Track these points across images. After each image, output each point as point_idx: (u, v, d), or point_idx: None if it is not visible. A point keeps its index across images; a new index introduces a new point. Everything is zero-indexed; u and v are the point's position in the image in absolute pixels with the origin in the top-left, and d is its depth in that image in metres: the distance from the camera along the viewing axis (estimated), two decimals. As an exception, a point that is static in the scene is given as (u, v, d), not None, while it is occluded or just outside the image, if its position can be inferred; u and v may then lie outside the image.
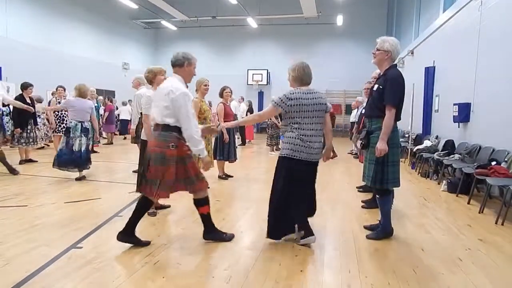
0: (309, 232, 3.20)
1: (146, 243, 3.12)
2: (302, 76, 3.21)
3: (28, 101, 7.16)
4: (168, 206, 4.28)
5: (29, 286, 2.34)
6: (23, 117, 7.10)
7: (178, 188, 3.04)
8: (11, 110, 8.02)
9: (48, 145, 10.02)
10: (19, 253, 2.85)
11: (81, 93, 5.98)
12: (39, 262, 2.68)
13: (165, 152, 2.89)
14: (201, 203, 3.17)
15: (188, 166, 3.00)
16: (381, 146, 3.20)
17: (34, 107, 7.37)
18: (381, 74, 3.42)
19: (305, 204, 3.26)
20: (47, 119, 10.58)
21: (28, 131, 7.16)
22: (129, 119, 13.97)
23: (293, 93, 3.12)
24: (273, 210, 3.22)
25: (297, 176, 3.14)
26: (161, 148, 2.90)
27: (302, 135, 3.10)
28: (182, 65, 3.08)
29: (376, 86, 3.40)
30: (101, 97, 12.60)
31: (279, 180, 3.21)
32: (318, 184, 3.48)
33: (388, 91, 3.22)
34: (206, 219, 3.24)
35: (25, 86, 7.18)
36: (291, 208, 3.17)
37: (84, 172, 5.86)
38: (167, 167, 2.90)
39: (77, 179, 5.75)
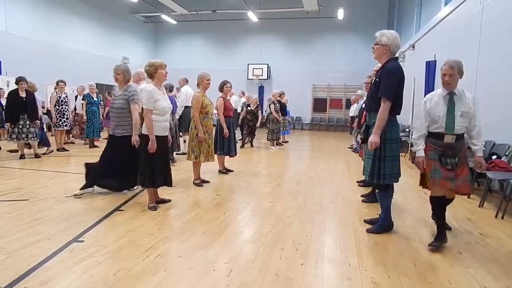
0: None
1: None
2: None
3: (22, 95, 6.87)
4: (169, 201, 4.30)
5: (31, 279, 2.35)
6: (15, 111, 6.88)
7: None
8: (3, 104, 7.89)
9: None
10: (21, 247, 2.86)
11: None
12: (41, 256, 2.69)
13: None
14: None
15: None
16: (372, 138, 3.22)
17: (27, 100, 7.15)
18: (381, 67, 3.39)
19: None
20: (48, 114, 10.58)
21: (20, 126, 6.91)
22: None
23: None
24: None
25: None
26: None
27: None
28: None
29: (374, 79, 3.40)
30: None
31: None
32: (318, 179, 3.49)
33: (383, 83, 3.20)
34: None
35: (17, 81, 6.99)
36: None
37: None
38: None
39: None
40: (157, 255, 2.81)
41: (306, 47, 19.16)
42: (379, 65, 3.85)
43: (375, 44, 3.35)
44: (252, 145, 10.45)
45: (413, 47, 11.84)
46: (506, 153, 4.93)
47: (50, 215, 3.68)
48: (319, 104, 19.23)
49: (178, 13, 17.91)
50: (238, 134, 8.80)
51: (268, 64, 19.33)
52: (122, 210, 3.94)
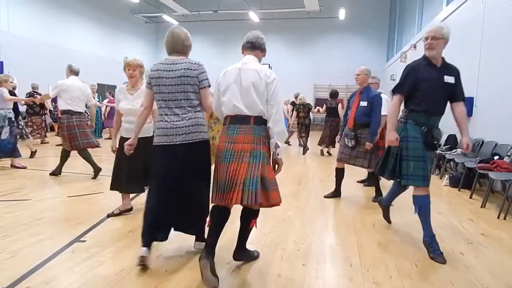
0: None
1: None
2: (166, 43, 2.78)
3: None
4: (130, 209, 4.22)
5: (33, 279, 2.36)
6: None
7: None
8: None
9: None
10: (23, 247, 2.87)
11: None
12: (43, 255, 2.70)
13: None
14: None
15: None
16: (469, 140, 3.02)
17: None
18: (441, 64, 3.05)
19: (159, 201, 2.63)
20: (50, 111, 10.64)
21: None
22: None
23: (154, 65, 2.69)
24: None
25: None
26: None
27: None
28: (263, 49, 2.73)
29: (450, 78, 2.98)
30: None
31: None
32: (319, 180, 3.47)
33: (461, 86, 3.01)
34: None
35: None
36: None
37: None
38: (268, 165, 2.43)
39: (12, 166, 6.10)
40: (158, 255, 2.82)
41: (307, 47, 19.16)
42: (363, 67, 3.77)
43: (432, 39, 2.97)
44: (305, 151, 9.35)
45: (415, 47, 11.82)
46: (508, 154, 4.91)
47: (52, 215, 3.68)
48: (320, 104, 19.16)
49: (179, 13, 17.95)
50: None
51: (269, 64, 19.31)
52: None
